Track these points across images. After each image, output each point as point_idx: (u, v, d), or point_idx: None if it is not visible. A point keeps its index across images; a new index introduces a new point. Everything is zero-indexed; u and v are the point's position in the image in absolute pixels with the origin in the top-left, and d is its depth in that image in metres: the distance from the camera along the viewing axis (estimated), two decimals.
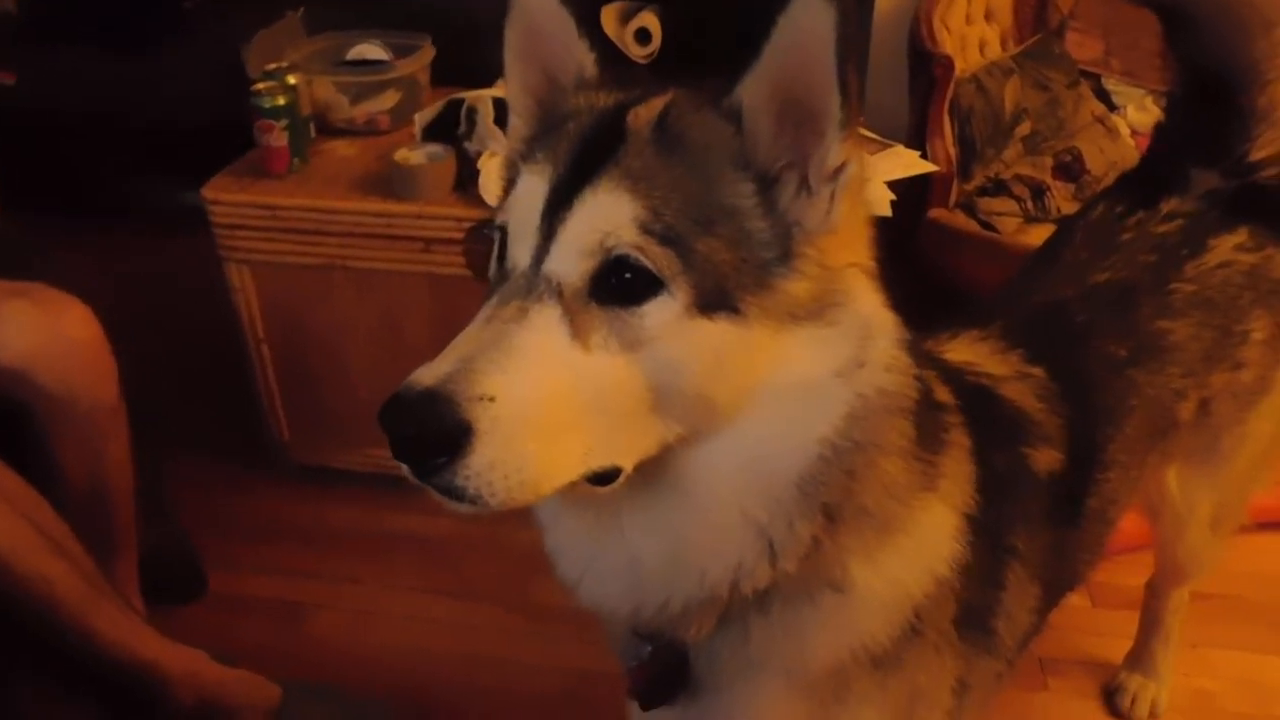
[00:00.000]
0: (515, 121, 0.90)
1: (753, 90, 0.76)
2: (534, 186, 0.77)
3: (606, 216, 0.73)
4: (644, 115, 0.79)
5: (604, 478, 0.76)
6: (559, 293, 0.73)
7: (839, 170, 0.76)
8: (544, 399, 0.70)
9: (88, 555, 1.56)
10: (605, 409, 0.73)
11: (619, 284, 0.73)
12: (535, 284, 0.74)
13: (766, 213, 0.76)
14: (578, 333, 0.73)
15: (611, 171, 0.75)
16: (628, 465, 0.76)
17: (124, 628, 1.54)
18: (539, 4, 0.85)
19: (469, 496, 0.69)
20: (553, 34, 0.86)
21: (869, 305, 0.80)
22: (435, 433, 0.67)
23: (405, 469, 0.70)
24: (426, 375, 0.69)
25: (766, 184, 0.77)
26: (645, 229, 0.72)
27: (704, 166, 0.76)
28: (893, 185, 1.99)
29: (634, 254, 0.72)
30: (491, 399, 0.68)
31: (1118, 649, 1.89)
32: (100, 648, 1.52)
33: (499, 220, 0.81)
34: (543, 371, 0.71)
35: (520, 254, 0.76)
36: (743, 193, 0.76)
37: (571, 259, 0.74)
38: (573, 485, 0.74)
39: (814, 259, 0.77)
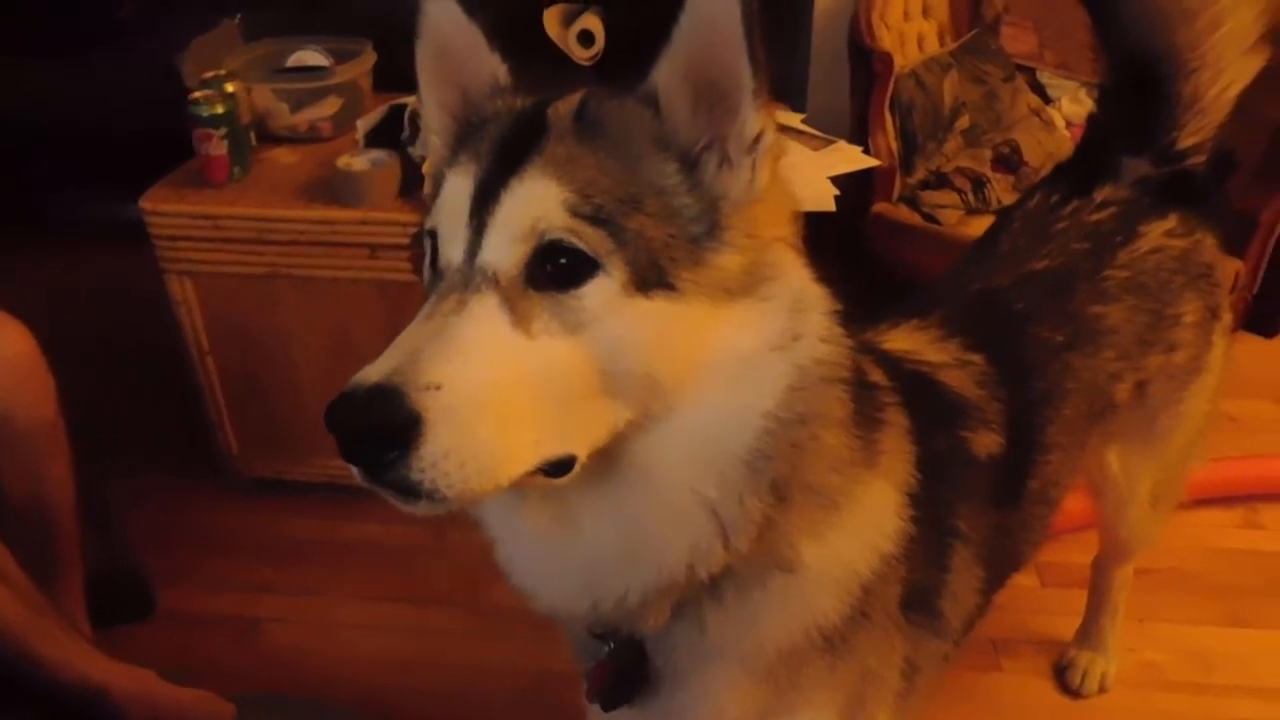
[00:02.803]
0: (434, 140, 0.91)
1: (666, 73, 0.78)
2: (459, 184, 0.78)
3: (535, 202, 0.74)
4: (563, 109, 0.81)
5: (559, 468, 0.76)
6: (495, 282, 0.74)
7: (757, 139, 0.78)
8: (492, 385, 0.70)
9: (28, 578, 1.52)
10: (554, 394, 0.73)
11: (555, 269, 0.74)
12: (471, 277, 0.74)
13: (691, 189, 0.78)
14: (519, 320, 0.73)
15: (536, 161, 0.76)
16: (581, 453, 0.77)
17: (69, 651, 1.51)
18: (447, 23, 0.86)
19: (425, 491, 0.68)
20: (463, 50, 0.87)
21: (799, 279, 0.82)
22: (386, 425, 0.67)
23: (357, 472, 0.70)
24: (371, 372, 0.69)
25: (688, 163, 0.79)
26: (575, 212, 0.74)
27: (626, 149, 0.78)
28: (837, 181, 2.01)
29: (567, 237, 0.73)
30: (439, 388, 0.68)
31: (1068, 626, 1.94)
32: (46, 673, 1.48)
33: (428, 226, 0.82)
34: (488, 358, 0.71)
35: (453, 251, 0.77)
36: (666, 172, 0.78)
37: (504, 247, 0.74)
38: (529, 476, 0.75)
39: (742, 230, 0.79)
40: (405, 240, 1.94)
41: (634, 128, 0.78)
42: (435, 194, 0.83)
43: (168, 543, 2.21)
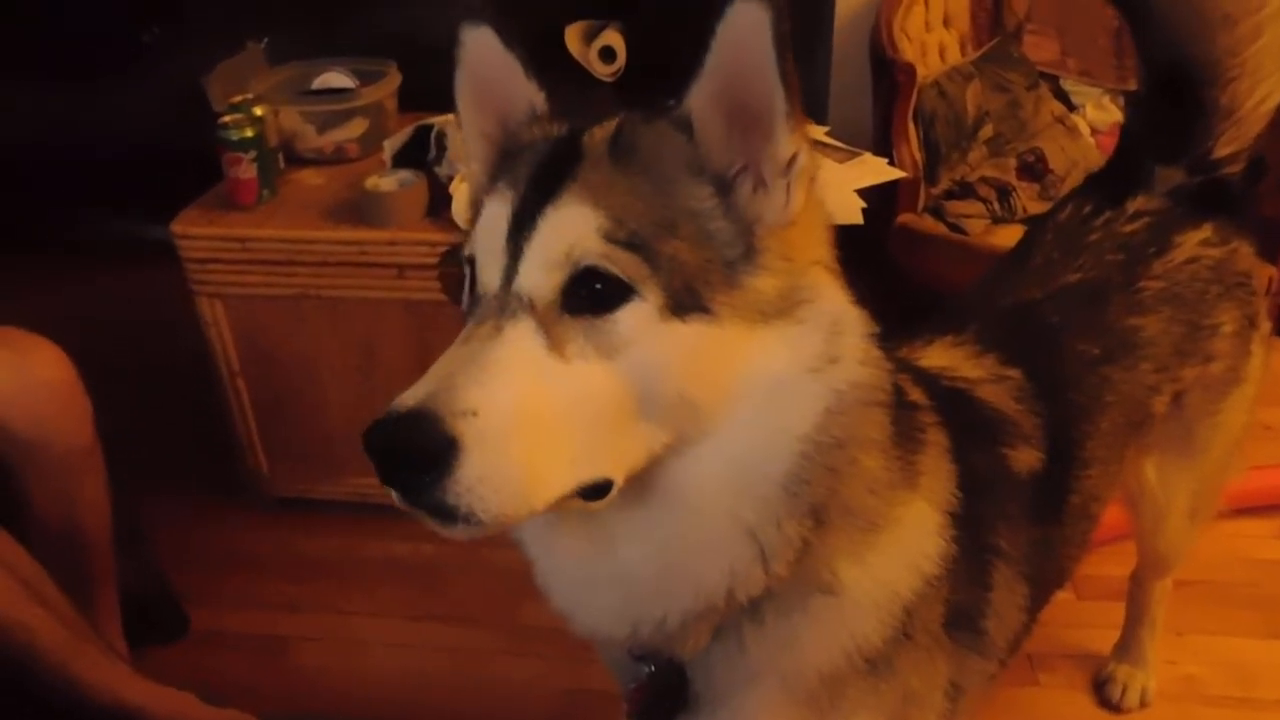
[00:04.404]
0: (474, 167, 0.92)
1: (699, 97, 0.78)
2: (497, 212, 0.79)
3: (570, 229, 0.75)
4: (599, 135, 0.81)
5: (595, 491, 0.76)
6: (531, 308, 0.75)
7: (791, 162, 0.78)
8: (527, 410, 0.71)
9: (67, 600, 1.53)
10: (589, 417, 0.74)
11: (590, 294, 0.74)
12: (507, 302, 0.75)
13: (725, 212, 0.78)
14: (554, 344, 0.74)
15: (571, 187, 0.76)
16: (618, 477, 0.77)
17: (107, 673, 1.51)
18: (484, 52, 0.87)
19: (461, 515, 0.69)
20: (500, 79, 0.88)
21: (836, 301, 0.82)
22: (421, 449, 0.67)
23: (395, 495, 0.71)
24: (409, 397, 0.69)
25: (724, 187, 0.79)
26: (609, 237, 0.74)
27: (660, 173, 0.78)
28: (861, 193, 2.00)
29: (602, 263, 0.74)
30: (474, 413, 0.69)
31: (1105, 640, 1.91)
32: (84, 695, 1.49)
33: (466, 252, 0.82)
34: (523, 383, 0.72)
35: (490, 277, 0.77)
36: (700, 196, 0.78)
37: (540, 273, 0.75)
38: (565, 500, 0.75)
39: (777, 253, 0.79)
40: (433, 260, 1.95)
41: (668, 152, 0.79)
42: (475, 221, 0.84)
43: (196, 562, 2.22)
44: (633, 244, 0.74)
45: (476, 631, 2.05)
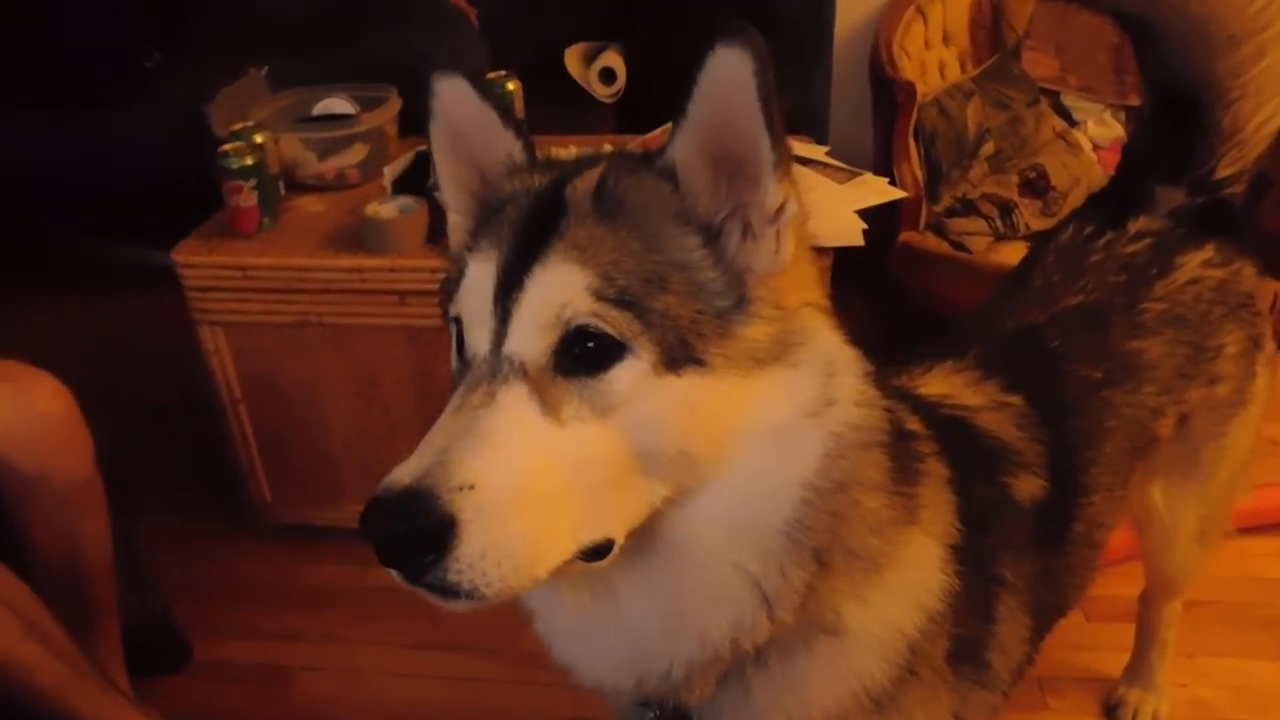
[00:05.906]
0: (454, 219, 0.90)
1: (683, 147, 0.77)
2: (483, 272, 0.77)
3: (559, 289, 0.73)
4: (581, 187, 0.80)
5: (597, 552, 0.75)
6: (523, 371, 0.73)
7: (780, 210, 0.77)
8: (525, 479, 0.70)
9: (67, 636, 1.52)
10: (589, 480, 0.72)
11: (583, 354, 0.73)
12: (498, 367, 0.74)
13: (715, 263, 0.77)
14: (549, 408, 0.72)
15: (557, 245, 0.75)
16: (619, 536, 0.76)
17: (108, 709, 1.50)
18: (459, 103, 0.86)
19: (464, 591, 0.68)
20: (477, 129, 0.87)
21: (829, 342, 0.81)
22: (420, 529, 0.66)
23: (395, 574, 0.69)
24: (403, 474, 0.68)
25: (711, 235, 0.78)
26: (600, 296, 0.73)
27: (647, 226, 0.77)
28: (862, 211, 2.00)
29: (593, 322, 0.72)
30: (472, 487, 0.67)
31: (1115, 662, 1.89)
32: None
33: (452, 313, 0.81)
34: (520, 451, 0.70)
35: (479, 340, 0.76)
36: (689, 246, 0.77)
37: (531, 336, 0.74)
38: (568, 564, 0.73)
39: (768, 301, 0.78)
40: (434, 286, 1.95)
41: (654, 204, 0.78)
42: (457, 277, 0.82)
43: (198, 591, 2.21)
44: (623, 300, 0.73)
45: (479, 660, 2.03)
